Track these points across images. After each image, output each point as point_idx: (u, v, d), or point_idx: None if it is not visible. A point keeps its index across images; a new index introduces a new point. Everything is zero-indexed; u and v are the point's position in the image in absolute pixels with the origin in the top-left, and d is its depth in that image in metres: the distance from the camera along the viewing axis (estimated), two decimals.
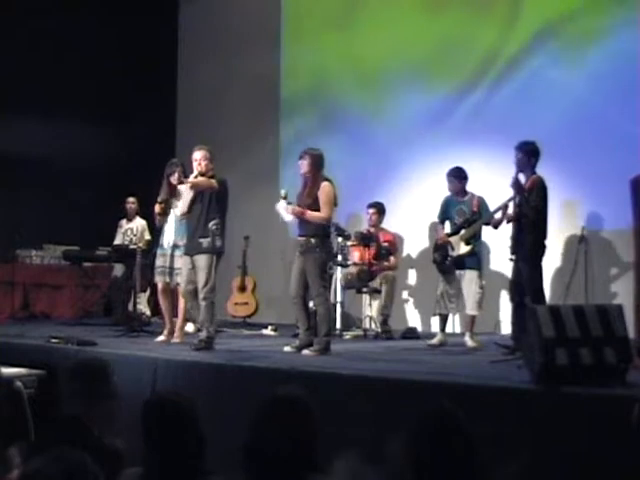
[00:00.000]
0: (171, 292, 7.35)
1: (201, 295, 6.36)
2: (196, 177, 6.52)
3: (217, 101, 10.79)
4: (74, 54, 10.31)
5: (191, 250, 6.52)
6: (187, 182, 6.57)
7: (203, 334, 6.37)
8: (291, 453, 2.44)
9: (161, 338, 7.12)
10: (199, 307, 6.45)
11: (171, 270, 7.13)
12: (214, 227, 6.40)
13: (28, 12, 9.90)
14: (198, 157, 6.56)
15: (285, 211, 6.39)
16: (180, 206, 6.71)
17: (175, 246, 7.11)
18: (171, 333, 7.17)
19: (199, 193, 6.48)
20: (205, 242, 6.39)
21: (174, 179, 7.05)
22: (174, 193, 7.08)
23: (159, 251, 7.25)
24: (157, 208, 7.16)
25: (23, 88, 9.78)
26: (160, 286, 7.29)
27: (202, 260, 6.39)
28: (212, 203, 6.45)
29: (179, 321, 7.22)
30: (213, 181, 6.45)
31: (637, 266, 5.43)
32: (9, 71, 9.67)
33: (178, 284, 7.00)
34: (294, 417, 2.52)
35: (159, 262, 7.22)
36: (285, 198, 6.45)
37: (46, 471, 2.02)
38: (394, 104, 9.26)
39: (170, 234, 7.17)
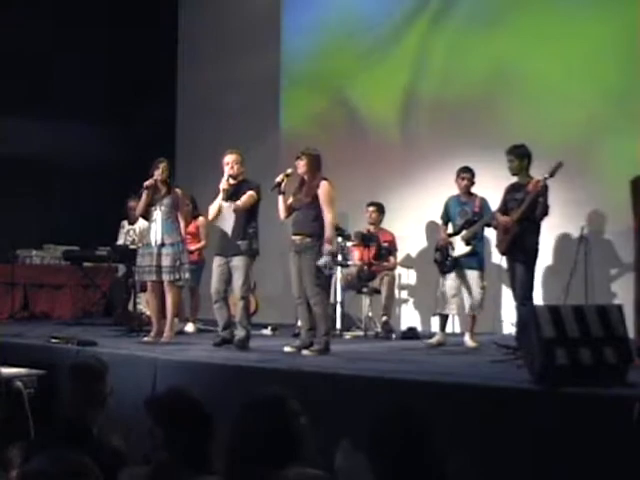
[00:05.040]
0: (161, 292, 7.13)
1: (239, 294, 6.63)
2: (228, 180, 6.74)
3: (217, 101, 10.78)
4: (74, 54, 10.31)
5: (227, 251, 6.67)
6: (233, 205, 6.66)
7: (242, 333, 6.58)
8: (269, 451, 2.42)
9: (147, 339, 6.97)
10: (226, 307, 6.72)
11: (159, 268, 6.97)
12: (251, 230, 6.67)
13: (28, 12, 9.91)
14: (230, 160, 6.81)
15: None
16: (225, 226, 6.71)
17: (162, 244, 6.99)
18: (159, 334, 7.00)
19: (235, 198, 6.69)
20: (243, 244, 6.61)
21: (157, 176, 7.05)
22: (155, 191, 7.08)
23: (144, 250, 7.09)
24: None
25: (24, 88, 9.78)
26: (150, 285, 7.14)
27: (240, 261, 6.62)
28: (249, 207, 6.71)
29: (169, 320, 7.04)
30: (251, 193, 6.68)
31: (637, 266, 5.43)
32: (9, 71, 9.67)
33: (176, 280, 6.97)
34: (271, 418, 2.49)
35: (146, 261, 7.03)
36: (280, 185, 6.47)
37: (46, 471, 2.02)
38: (395, 104, 9.25)
39: (156, 232, 7.03)
